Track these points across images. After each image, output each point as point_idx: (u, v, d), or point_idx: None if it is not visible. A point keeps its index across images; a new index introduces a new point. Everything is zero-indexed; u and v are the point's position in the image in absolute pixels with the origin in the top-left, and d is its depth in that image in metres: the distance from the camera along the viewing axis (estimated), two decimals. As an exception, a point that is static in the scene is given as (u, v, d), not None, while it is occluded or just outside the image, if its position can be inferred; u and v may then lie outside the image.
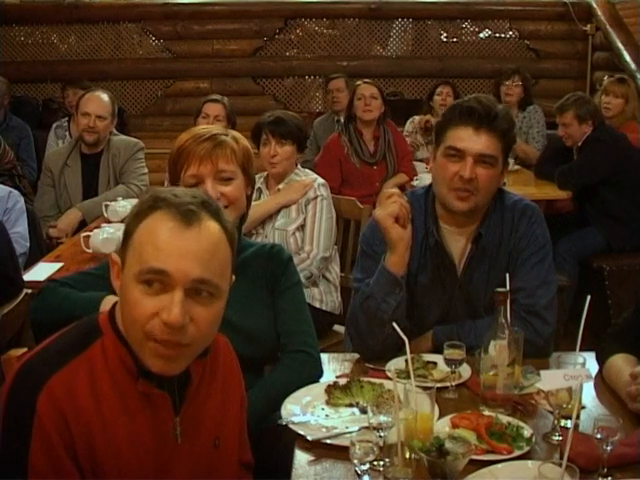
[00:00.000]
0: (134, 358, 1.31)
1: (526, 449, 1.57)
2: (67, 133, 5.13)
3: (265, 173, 3.29)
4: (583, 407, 1.76)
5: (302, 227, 3.14)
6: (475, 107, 2.04)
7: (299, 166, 3.33)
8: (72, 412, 1.25)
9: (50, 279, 2.47)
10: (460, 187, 2.03)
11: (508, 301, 1.78)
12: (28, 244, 3.25)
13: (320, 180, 3.22)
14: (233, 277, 1.40)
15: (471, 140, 2.02)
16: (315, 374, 1.96)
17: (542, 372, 1.67)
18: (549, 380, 1.63)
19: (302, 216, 3.14)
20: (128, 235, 1.33)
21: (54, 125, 5.26)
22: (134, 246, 1.30)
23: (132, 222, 1.33)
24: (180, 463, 1.37)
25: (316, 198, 3.14)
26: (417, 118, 5.53)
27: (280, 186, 3.21)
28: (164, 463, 1.35)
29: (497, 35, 6.86)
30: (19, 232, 3.20)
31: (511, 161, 4.98)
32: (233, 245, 1.37)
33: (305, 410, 1.78)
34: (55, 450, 1.23)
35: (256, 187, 3.17)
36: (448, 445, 1.42)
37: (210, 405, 1.44)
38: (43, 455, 1.22)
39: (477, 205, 2.07)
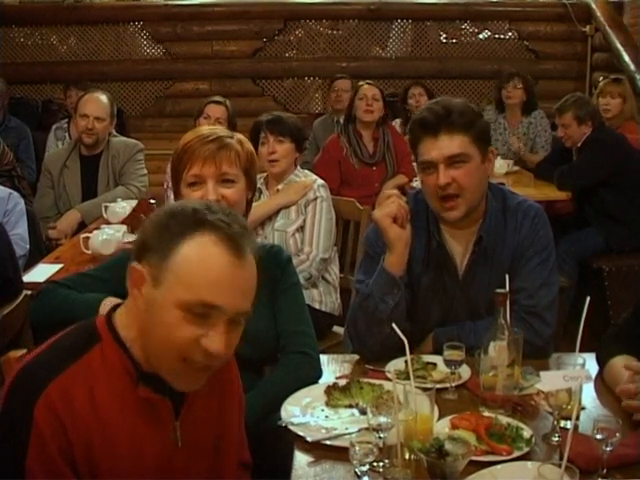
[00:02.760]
0: (134, 363, 1.31)
1: (526, 450, 1.57)
2: (66, 134, 5.13)
3: (265, 174, 3.29)
4: (583, 408, 1.76)
5: (302, 228, 3.14)
6: (425, 116, 2.05)
7: (298, 167, 3.33)
8: (70, 418, 1.25)
9: (49, 280, 2.47)
10: (444, 195, 2.04)
11: (508, 302, 1.78)
12: (28, 246, 3.25)
13: (320, 181, 3.22)
14: None
15: (434, 148, 2.03)
16: (314, 375, 1.96)
17: (542, 373, 1.67)
18: (549, 381, 1.63)
19: (302, 217, 3.14)
20: (165, 251, 1.26)
21: (54, 126, 5.26)
22: (177, 269, 1.25)
23: (171, 237, 1.26)
24: (181, 466, 1.37)
25: (316, 199, 3.14)
26: (399, 122, 5.55)
27: (279, 187, 3.21)
28: (164, 467, 1.35)
29: (496, 36, 6.85)
30: (19, 234, 3.19)
31: (510, 162, 5.00)
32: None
33: (305, 411, 1.78)
34: (52, 456, 1.23)
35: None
36: (448, 446, 1.42)
37: (209, 407, 1.44)
38: (40, 461, 1.22)
39: (469, 206, 2.07)
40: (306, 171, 3.35)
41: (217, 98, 4.21)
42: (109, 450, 1.28)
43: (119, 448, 1.29)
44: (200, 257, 1.25)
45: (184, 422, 1.38)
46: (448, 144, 2.02)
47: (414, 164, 4.68)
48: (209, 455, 1.43)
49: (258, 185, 3.21)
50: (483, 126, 2.11)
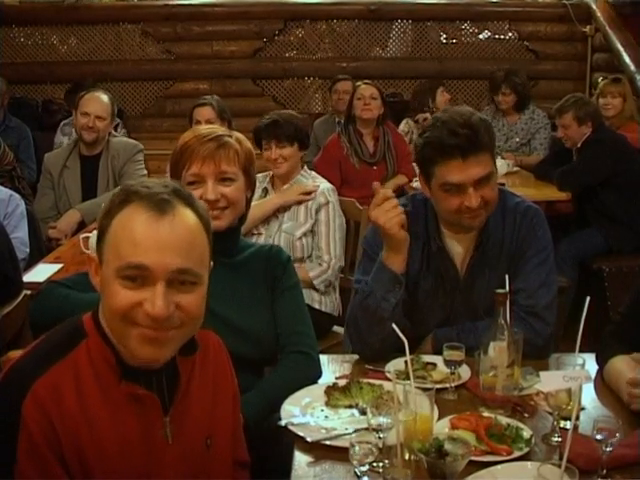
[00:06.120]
0: (119, 359, 1.31)
1: (525, 450, 1.57)
2: (73, 130, 5.12)
3: (271, 173, 3.30)
4: (582, 408, 1.76)
5: (310, 232, 3.14)
6: (454, 142, 1.95)
7: (305, 168, 3.33)
8: (58, 415, 1.25)
9: (49, 280, 2.47)
10: (470, 212, 2.01)
11: (508, 302, 1.78)
12: (28, 250, 3.23)
13: (328, 185, 3.23)
14: (211, 263, 1.39)
15: (463, 171, 1.96)
16: (314, 375, 1.96)
17: (541, 373, 1.67)
18: (548, 381, 1.63)
19: (310, 221, 3.14)
20: (102, 232, 1.32)
21: (62, 123, 5.31)
22: (110, 242, 1.30)
23: (105, 218, 1.32)
24: (171, 463, 1.37)
25: (327, 204, 3.15)
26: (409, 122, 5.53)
27: (285, 187, 3.23)
28: (154, 464, 1.35)
29: (496, 36, 6.84)
30: (19, 237, 3.18)
31: (510, 163, 5.00)
32: (209, 232, 1.37)
33: (304, 411, 1.78)
34: (42, 453, 1.23)
35: (262, 186, 3.20)
36: (447, 446, 1.43)
37: (200, 404, 1.43)
38: (30, 458, 1.22)
39: (489, 215, 2.07)
40: (313, 173, 3.36)
41: (201, 100, 4.21)
42: (98, 447, 1.28)
43: (108, 445, 1.29)
44: (123, 224, 1.29)
45: (174, 418, 1.37)
46: (476, 167, 1.96)
47: (414, 164, 4.75)
48: (200, 453, 1.42)
49: (264, 185, 3.24)
50: (494, 137, 2.09)
